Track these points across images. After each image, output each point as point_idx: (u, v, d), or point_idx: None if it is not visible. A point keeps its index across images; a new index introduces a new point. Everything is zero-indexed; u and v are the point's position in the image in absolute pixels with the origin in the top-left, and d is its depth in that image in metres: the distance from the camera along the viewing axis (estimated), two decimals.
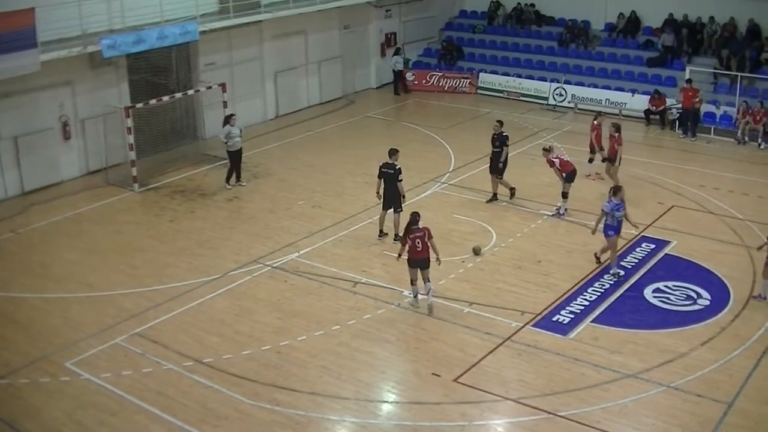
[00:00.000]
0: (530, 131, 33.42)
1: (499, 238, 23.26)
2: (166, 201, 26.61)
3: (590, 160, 27.66)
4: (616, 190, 21.07)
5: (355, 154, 30.73)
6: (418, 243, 19.11)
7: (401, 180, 22.54)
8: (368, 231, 23.70)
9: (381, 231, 23.19)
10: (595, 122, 27.71)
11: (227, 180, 27.51)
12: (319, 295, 20.32)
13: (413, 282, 19.54)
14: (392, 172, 22.60)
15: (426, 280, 19.39)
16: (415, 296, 19.66)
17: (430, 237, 19.16)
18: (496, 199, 25.69)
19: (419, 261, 19.29)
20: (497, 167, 25.50)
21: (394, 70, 39.99)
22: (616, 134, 26.15)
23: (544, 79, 38.39)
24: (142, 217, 25.48)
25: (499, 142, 25.40)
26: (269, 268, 21.77)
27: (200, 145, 31.47)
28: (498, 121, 26.03)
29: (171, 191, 27.43)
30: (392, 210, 22.89)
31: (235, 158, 27.50)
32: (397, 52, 40.22)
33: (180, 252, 22.86)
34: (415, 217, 19.30)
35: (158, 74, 30.80)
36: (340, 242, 23.25)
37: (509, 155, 25.82)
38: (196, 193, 27.23)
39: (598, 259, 21.63)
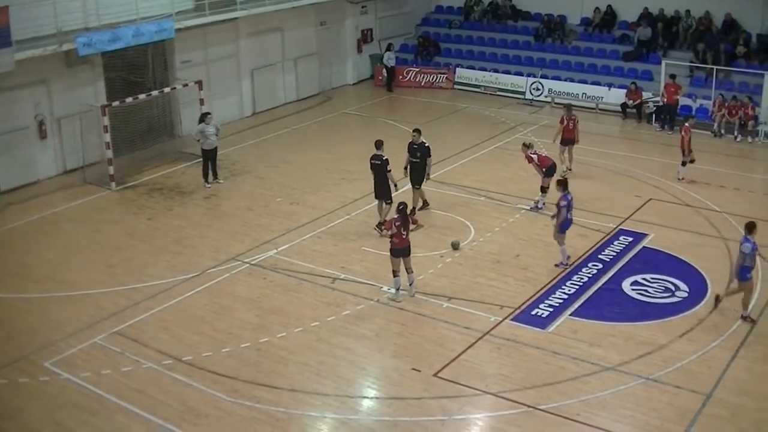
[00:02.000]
0: (507, 126, 33.49)
1: (477, 232, 23.32)
2: (144, 199, 26.53)
3: (684, 164, 27.19)
4: (751, 227, 18.47)
5: (333, 150, 30.72)
6: (404, 232, 19.23)
7: (390, 170, 22.79)
8: (346, 227, 23.72)
9: (380, 223, 23.19)
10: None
11: (205, 179, 27.42)
12: (297, 291, 20.31)
13: (396, 273, 19.61)
14: (380, 163, 22.85)
15: (409, 270, 19.57)
16: (398, 289, 19.73)
17: (415, 221, 20.09)
18: (428, 205, 24.83)
19: (403, 250, 19.42)
20: (419, 179, 24.21)
21: (386, 66, 39.95)
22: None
23: (520, 74, 38.49)
24: (120, 216, 25.39)
25: (421, 153, 24.09)
26: (248, 265, 21.75)
27: (177, 142, 31.40)
28: (416, 130, 24.34)
29: (149, 189, 27.34)
30: (383, 202, 23.18)
31: (209, 157, 27.44)
32: (389, 48, 40.14)
33: (158, 250, 22.81)
34: (402, 207, 19.44)
35: (134, 72, 30.66)
36: (318, 239, 23.25)
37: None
38: (174, 191, 27.16)
39: (718, 302, 19.13)
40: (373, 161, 23.04)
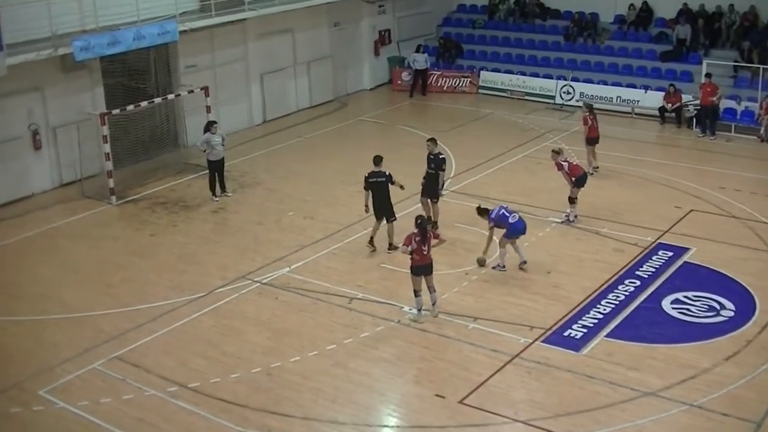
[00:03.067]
0: (536, 133, 33.39)
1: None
2: (147, 214, 26.55)
3: None
4: None
5: (349, 160, 30.68)
6: (425, 248, 19.19)
7: (395, 182, 22.89)
8: (364, 243, 23.62)
9: (371, 240, 23.17)
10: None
11: (212, 192, 27.41)
12: (312, 312, 20.25)
13: (417, 293, 19.55)
14: (383, 179, 22.75)
15: (431, 288, 19.52)
16: (420, 310, 19.64)
17: (437, 236, 19.84)
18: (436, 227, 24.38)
19: (425, 267, 19.36)
20: (434, 191, 24.24)
21: (415, 70, 39.95)
22: None
23: (550, 77, 38.41)
24: (121, 232, 25.43)
25: (435, 164, 24.13)
26: (258, 284, 21.70)
27: (182, 153, 31.43)
28: (430, 140, 24.49)
29: (151, 203, 27.37)
30: (385, 220, 23.03)
31: (216, 168, 27.43)
32: (418, 50, 40.11)
33: (162, 268, 22.80)
34: (422, 221, 19.41)
35: (135, 78, 30.75)
36: (333, 255, 23.20)
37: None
38: (179, 205, 27.18)
39: None
40: (373, 179, 22.76)
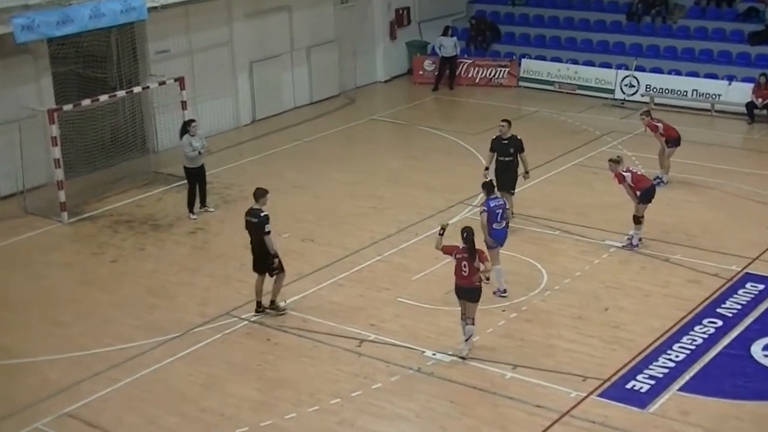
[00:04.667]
0: (590, 135, 33.40)
1: (550, 278, 23.22)
2: (107, 235, 26.65)
3: None
4: None
5: (358, 170, 30.76)
6: (465, 266, 19.34)
7: (269, 231, 21.62)
8: (377, 272, 23.68)
9: (259, 303, 22.16)
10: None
11: (190, 208, 27.44)
12: (312, 357, 20.25)
13: (462, 316, 19.83)
14: (256, 221, 21.76)
15: (468, 319, 19.69)
16: (468, 339, 19.86)
17: (484, 260, 19.59)
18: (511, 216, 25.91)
19: (465, 290, 19.56)
20: (512, 181, 25.71)
21: (441, 57, 40.05)
22: None
23: (608, 66, 38.49)
24: (74, 257, 25.51)
25: (514, 148, 25.54)
26: (246, 322, 21.73)
27: (151, 160, 31.54)
28: (504, 121, 26.02)
29: (113, 222, 27.48)
30: (268, 275, 22.03)
31: (196, 178, 27.52)
32: (444, 32, 40.20)
33: (126, 303, 22.84)
34: (467, 233, 19.53)
35: (93, 66, 30.90)
36: (339, 287, 23.24)
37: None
38: (147, 223, 27.28)
39: None
40: (248, 218, 21.90)
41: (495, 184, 23.92)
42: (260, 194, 21.96)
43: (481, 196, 23.45)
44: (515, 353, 20.08)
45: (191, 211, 27.47)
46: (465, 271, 19.38)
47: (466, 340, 19.80)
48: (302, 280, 23.55)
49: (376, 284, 23.25)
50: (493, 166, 25.69)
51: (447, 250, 19.82)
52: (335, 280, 23.58)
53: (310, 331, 21.23)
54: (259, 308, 22.02)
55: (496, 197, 22.58)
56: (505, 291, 22.34)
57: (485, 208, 22.21)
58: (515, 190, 25.75)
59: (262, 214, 21.61)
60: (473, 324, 19.76)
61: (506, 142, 25.45)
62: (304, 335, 21.08)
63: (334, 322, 21.54)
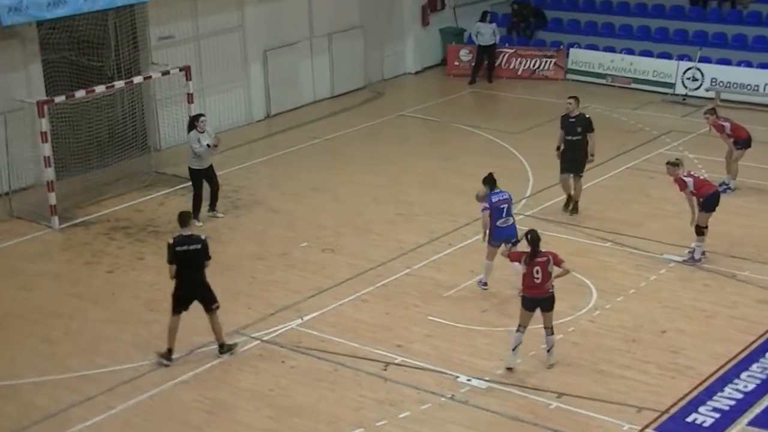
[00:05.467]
0: (647, 135, 33.32)
1: (601, 296, 23.16)
2: (102, 242, 26.71)
3: None
4: None
5: (384, 172, 30.77)
6: (538, 272, 19.46)
7: (210, 258, 20.99)
8: (405, 286, 23.67)
9: (170, 351, 21.06)
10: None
11: (195, 215, 27.32)
12: (332, 382, 20.21)
13: (520, 328, 19.88)
14: (199, 247, 20.78)
15: (549, 329, 19.90)
16: (515, 349, 20.00)
17: (560, 262, 19.92)
18: (576, 210, 27.32)
19: (539, 300, 19.68)
20: (580, 162, 26.86)
21: (479, 46, 40.01)
22: None
23: (668, 56, 38.39)
24: (65, 267, 25.56)
25: (582, 127, 26.53)
26: (258, 342, 21.72)
27: (152, 159, 31.58)
28: (572, 98, 27.19)
29: (109, 228, 27.55)
30: (204, 309, 21.20)
31: (204, 180, 27.49)
32: (483, 18, 40.17)
33: (122, 318, 22.86)
34: (532, 235, 19.75)
35: (88, 53, 31.01)
36: (363, 303, 23.23)
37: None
38: (147, 230, 27.34)
39: None
40: (183, 247, 20.63)
41: (562, 162, 26.34)
42: (187, 218, 21.06)
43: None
44: (560, 380, 19.98)
45: (196, 218, 27.35)
46: (537, 278, 19.51)
47: (549, 351, 20.08)
48: (321, 295, 23.54)
49: (404, 301, 23.22)
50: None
51: (515, 257, 20.04)
52: (358, 295, 23.56)
53: (329, 352, 21.19)
54: (167, 356, 20.98)
55: (500, 191, 23.02)
56: (486, 284, 23.30)
57: (486, 205, 22.81)
58: (583, 173, 26.88)
59: (203, 237, 21.01)
60: (553, 333, 20.02)
61: (573, 120, 26.56)
62: (323, 357, 21.04)
63: (357, 343, 21.52)
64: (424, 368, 20.52)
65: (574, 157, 26.72)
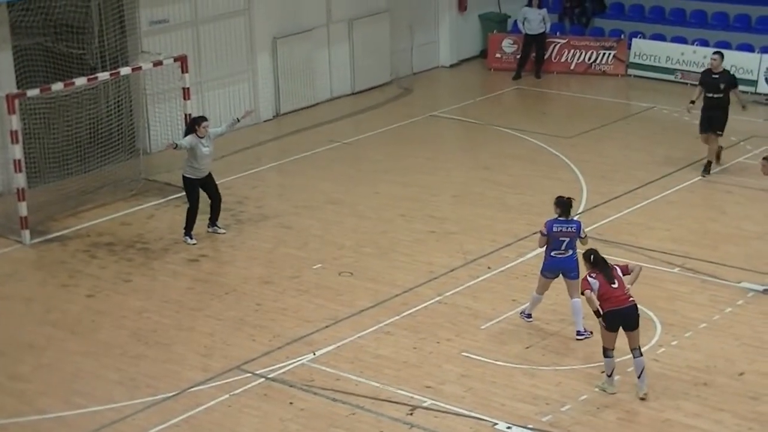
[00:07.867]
0: (723, 141, 33.26)
1: (667, 330, 23.11)
2: (81, 261, 26.78)
3: None
4: None
5: (413, 182, 30.81)
6: (615, 283, 19.85)
7: None
8: (435, 316, 23.69)
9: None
10: None
11: (188, 231, 27.40)
12: (348, 429, 20.20)
13: (608, 352, 20.08)
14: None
15: (636, 350, 19.99)
16: (611, 375, 20.18)
17: (626, 268, 20.32)
18: (708, 172, 29.48)
19: (621, 312, 19.89)
20: (722, 121, 28.85)
21: (526, 35, 40.08)
22: None
23: (749, 49, 38.35)
24: (38, 290, 25.63)
25: (725, 83, 28.40)
26: (262, 379, 21.75)
27: (141, 163, 31.67)
28: (717, 53, 28.90)
29: (89, 244, 27.63)
30: None
31: (201, 191, 27.46)
32: (530, 3, 40.22)
33: (105, 351, 22.90)
34: (593, 254, 20.13)
35: (67, 39, 31.07)
36: (386, 336, 23.24)
37: None
38: (135, 247, 27.41)
39: None
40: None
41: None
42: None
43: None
44: (619, 429, 19.99)
45: (188, 234, 27.37)
46: (615, 285, 19.78)
47: (639, 377, 20.14)
48: (337, 325, 23.58)
49: (435, 333, 23.21)
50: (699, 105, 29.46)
51: (585, 284, 20.09)
52: (381, 326, 23.58)
53: (346, 392, 21.20)
54: None
55: (568, 221, 22.61)
56: (530, 316, 23.29)
57: (545, 230, 22.55)
58: (723, 132, 28.82)
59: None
60: (642, 354, 20.11)
61: (717, 76, 28.28)
62: (339, 398, 21.05)
63: (379, 382, 21.52)
64: (457, 413, 20.49)
65: (713, 116, 28.71)
